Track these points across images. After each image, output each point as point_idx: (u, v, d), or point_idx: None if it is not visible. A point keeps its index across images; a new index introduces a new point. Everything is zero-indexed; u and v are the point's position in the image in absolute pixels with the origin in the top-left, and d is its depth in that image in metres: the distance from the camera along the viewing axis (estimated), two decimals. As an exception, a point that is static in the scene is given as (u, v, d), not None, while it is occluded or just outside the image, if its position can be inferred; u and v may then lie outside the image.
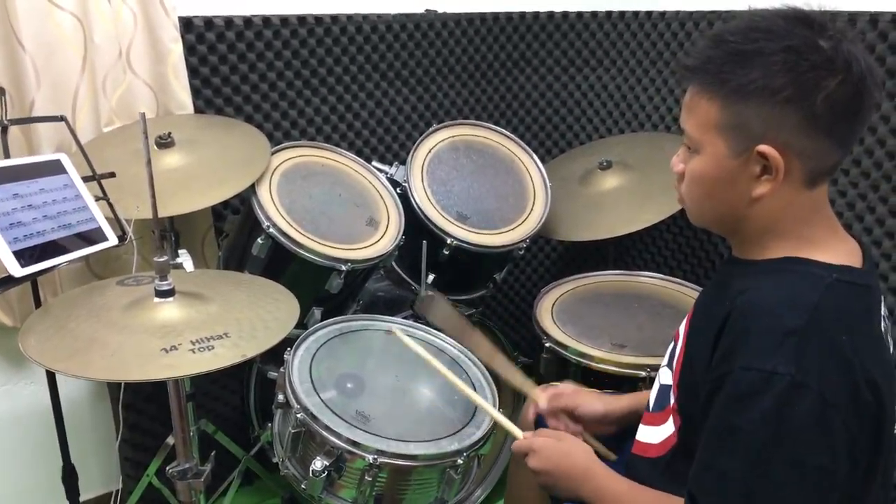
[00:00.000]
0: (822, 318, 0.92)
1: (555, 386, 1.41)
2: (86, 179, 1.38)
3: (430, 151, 1.96)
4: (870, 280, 1.01)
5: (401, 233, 1.77)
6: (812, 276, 0.96)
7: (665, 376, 1.18)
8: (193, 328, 1.13)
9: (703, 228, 2.16)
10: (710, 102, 0.97)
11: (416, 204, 1.83)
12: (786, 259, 1.00)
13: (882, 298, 1.06)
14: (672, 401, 1.12)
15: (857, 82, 0.92)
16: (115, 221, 1.39)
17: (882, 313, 1.04)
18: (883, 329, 1.02)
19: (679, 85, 2.17)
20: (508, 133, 2.08)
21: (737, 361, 0.93)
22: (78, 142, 1.39)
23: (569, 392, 1.37)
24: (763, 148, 0.94)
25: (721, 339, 0.97)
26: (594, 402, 1.35)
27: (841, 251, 1.01)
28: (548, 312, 1.87)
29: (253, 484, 2.14)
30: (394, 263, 1.94)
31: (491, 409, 1.38)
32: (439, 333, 1.71)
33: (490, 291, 2.09)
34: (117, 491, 1.95)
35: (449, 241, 1.82)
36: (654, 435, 1.17)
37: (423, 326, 1.73)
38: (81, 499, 1.77)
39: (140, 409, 1.90)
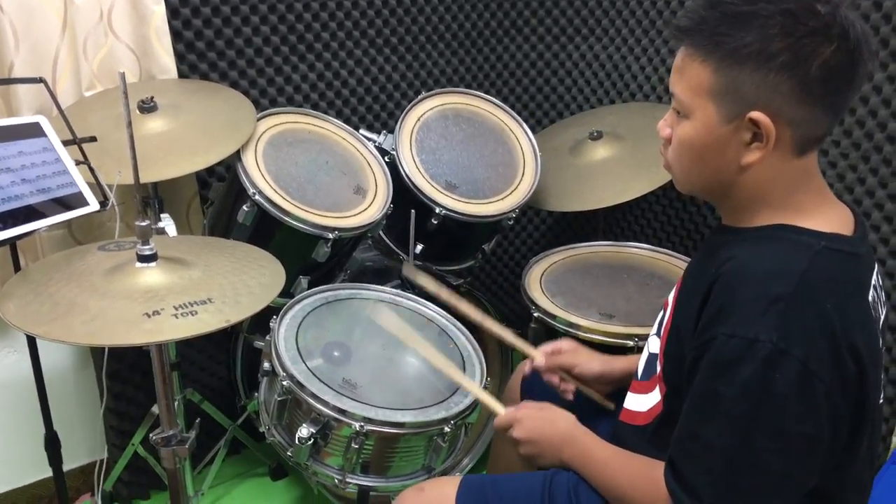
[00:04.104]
0: (810, 285, 0.91)
1: (554, 342, 1.40)
2: (66, 143, 1.35)
3: (418, 119, 1.94)
4: (859, 248, 1.00)
5: (389, 201, 1.75)
6: (800, 244, 0.96)
7: (653, 345, 1.18)
8: (176, 293, 1.10)
9: (691, 199, 2.19)
10: (702, 65, 0.95)
11: (405, 172, 1.81)
12: (774, 226, 1.00)
13: (875, 267, 1.05)
14: (658, 369, 1.12)
15: (852, 50, 0.91)
16: (97, 187, 1.36)
17: (873, 282, 1.03)
18: (872, 298, 1.01)
19: (670, 47, 2.15)
20: (498, 102, 2.06)
21: (720, 328, 0.92)
22: (57, 104, 1.36)
23: (567, 349, 1.37)
24: (755, 114, 0.93)
25: (706, 306, 0.97)
26: (591, 361, 1.36)
27: (831, 218, 1.00)
28: (536, 283, 1.86)
29: (240, 453, 2.15)
30: (382, 233, 1.92)
31: (472, 386, 1.37)
32: (428, 303, 1.70)
33: (479, 262, 2.08)
34: (102, 460, 1.94)
35: (437, 210, 1.80)
36: (641, 403, 1.17)
37: (412, 296, 1.71)
38: (67, 468, 1.76)
39: (125, 377, 1.89)
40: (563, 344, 1.39)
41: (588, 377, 1.35)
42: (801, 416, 0.90)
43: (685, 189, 1.08)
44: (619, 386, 1.34)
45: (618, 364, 1.35)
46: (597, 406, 1.37)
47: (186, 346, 1.95)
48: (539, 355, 1.37)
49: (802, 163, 0.98)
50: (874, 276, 1.04)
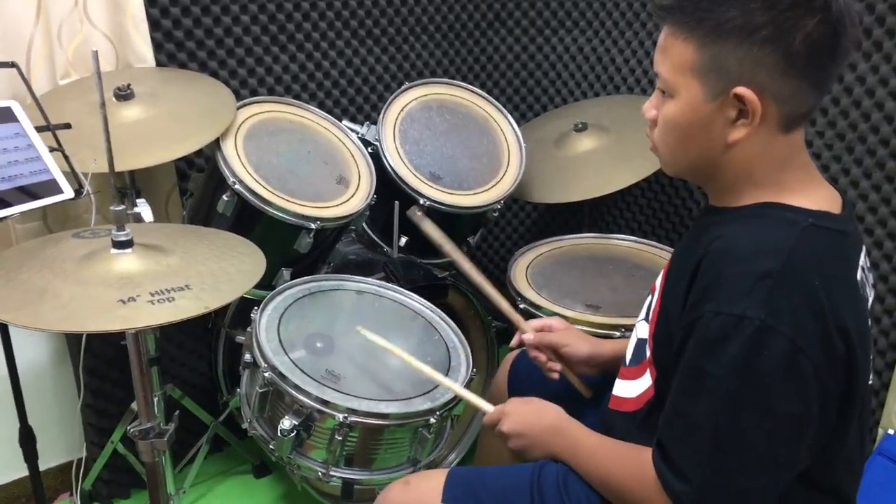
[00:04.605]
0: (797, 262, 0.90)
1: (546, 319, 1.39)
2: (39, 130, 1.31)
3: (402, 110, 1.91)
4: (847, 226, 0.99)
5: (372, 191, 1.72)
6: (787, 221, 0.95)
7: (642, 329, 1.16)
8: (153, 280, 1.07)
9: (676, 191, 2.18)
10: (685, 43, 0.94)
11: (388, 163, 1.79)
12: (760, 205, 0.99)
13: (863, 248, 1.04)
14: (648, 353, 1.11)
15: (835, 22, 0.89)
16: (72, 175, 1.33)
17: (861, 263, 1.02)
18: (860, 278, 1.01)
19: (654, 39, 2.14)
20: (482, 93, 2.04)
21: (708, 306, 0.91)
22: (30, 89, 1.33)
23: (558, 328, 1.36)
24: (740, 90, 0.92)
25: (694, 285, 0.96)
26: (581, 343, 1.34)
27: (818, 197, 0.99)
28: (522, 274, 1.84)
29: (222, 451, 2.11)
30: (365, 226, 1.90)
31: (458, 388, 1.34)
32: (414, 295, 1.68)
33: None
34: (81, 459, 1.89)
35: (422, 201, 1.77)
36: (631, 389, 1.15)
37: (396, 287, 1.69)
38: (45, 467, 1.72)
39: (103, 373, 1.84)
40: (554, 322, 1.37)
41: (576, 359, 1.33)
42: (789, 393, 0.89)
43: (672, 171, 1.06)
44: (606, 370, 1.33)
45: (607, 347, 1.34)
46: (580, 396, 1.35)
47: (166, 341, 1.92)
48: (529, 330, 1.36)
49: (788, 140, 0.97)
50: (862, 257, 1.03)
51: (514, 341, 1.40)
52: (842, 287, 0.94)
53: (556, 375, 1.34)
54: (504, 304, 1.43)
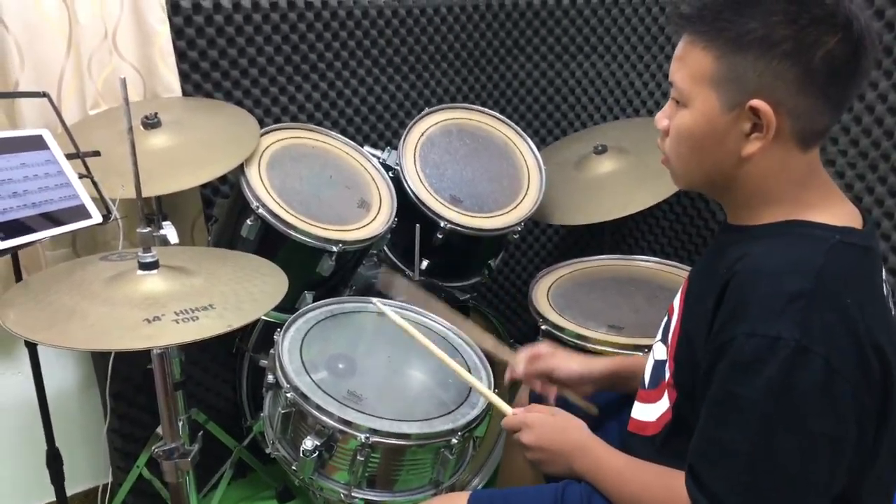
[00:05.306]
0: (828, 280, 0.88)
1: (532, 347, 1.37)
2: (69, 157, 1.35)
3: (422, 134, 1.94)
4: (871, 242, 0.98)
5: (393, 215, 1.74)
6: (815, 238, 0.93)
7: (660, 351, 1.14)
8: (177, 300, 1.09)
9: (699, 212, 2.17)
10: (704, 52, 0.94)
11: (409, 187, 1.81)
12: (785, 222, 0.97)
13: (881, 263, 1.03)
14: (667, 376, 1.09)
15: (856, 41, 0.89)
16: (100, 200, 1.36)
17: (883, 276, 1.01)
18: (885, 292, 0.99)
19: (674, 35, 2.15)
20: (502, 117, 2.06)
21: (739, 328, 0.89)
22: (61, 118, 1.37)
23: (545, 354, 1.34)
24: (755, 103, 0.91)
25: (721, 306, 0.94)
26: (570, 363, 1.32)
27: (840, 212, 0.98)
28: (544, 296, 1.84)
29: (246, 476, 2.12)
30: (386, 250, 1.91)
31: (480, 386, 1.34)
32: (433, 315, 1.68)
33: (485, 278, 2.06)
34: (106, 484, 1.91)
35: (442, 224, 1.79)
36: (650, 412, 1.13)
37: (417, 308, 1.70)
38: (70, 492, 1.73)
39: (129, 398, 1.86)
40: (541, 347, 1.35)
41: (568, 380, 1.31)
42: (825, 414, 0.87)
43: (684, 184, 1.05)
44: (602, 387, 1.31)
45: (597, 365, 1.31)
46: (602, 414, 1.34)
47: (191, 365, 1.93)
48: (519, 363, 1.34)
49: (806, 157, 0.96)
50: (883, 271, 1.02)
51: (505, 378, 1.37)
52: (872, 303, 0.92)
53: (551, 400, 1.32)
54: (488, 343, 1.46)
